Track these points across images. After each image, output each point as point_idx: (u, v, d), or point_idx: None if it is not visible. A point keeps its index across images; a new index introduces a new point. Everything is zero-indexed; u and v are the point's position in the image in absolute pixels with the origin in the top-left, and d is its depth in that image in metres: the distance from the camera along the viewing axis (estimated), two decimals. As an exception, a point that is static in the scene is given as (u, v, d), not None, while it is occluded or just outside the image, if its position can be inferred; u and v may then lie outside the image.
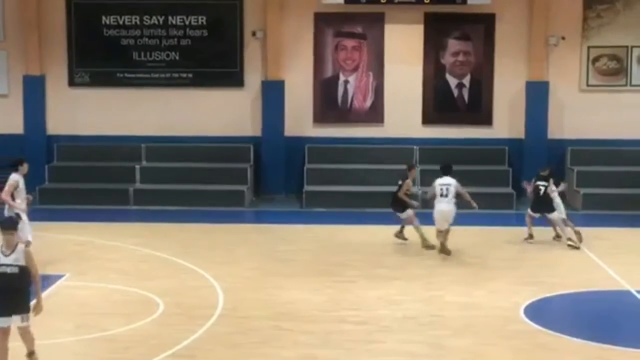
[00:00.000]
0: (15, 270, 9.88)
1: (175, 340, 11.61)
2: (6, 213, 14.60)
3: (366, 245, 17.29)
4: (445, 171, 16.70)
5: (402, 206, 17.17)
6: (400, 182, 17.39)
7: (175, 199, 21.44)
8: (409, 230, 17.40)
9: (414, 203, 17.29)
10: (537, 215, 17.73)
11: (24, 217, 14.81)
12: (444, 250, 16.53)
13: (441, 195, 16.43)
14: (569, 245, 17.15)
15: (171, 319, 12.58)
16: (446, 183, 16.47)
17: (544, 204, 17.53)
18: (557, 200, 17.69)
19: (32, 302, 10.18)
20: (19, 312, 10.00)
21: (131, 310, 12.98)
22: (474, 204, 16.69)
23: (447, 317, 12.81)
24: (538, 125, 22.33)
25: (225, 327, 12.26)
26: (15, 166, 14.99)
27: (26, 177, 15.28)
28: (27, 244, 14.60)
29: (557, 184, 17.84)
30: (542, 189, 17.60)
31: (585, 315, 13.41)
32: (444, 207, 16.37)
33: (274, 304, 13.37)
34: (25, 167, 15.09)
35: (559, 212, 17.57)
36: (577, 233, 17.37)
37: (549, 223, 17.75)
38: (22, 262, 9.93)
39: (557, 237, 17.78)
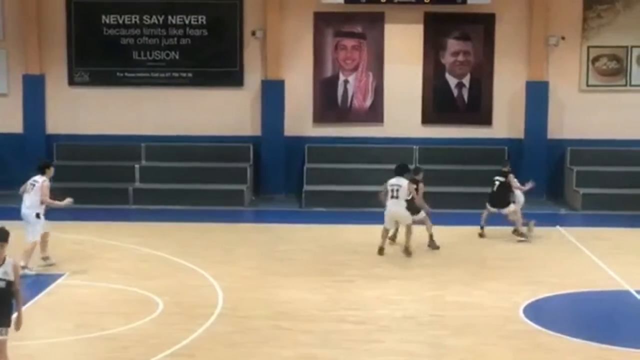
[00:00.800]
0: (3, 284, 9.60)
1: (174, 339, 11.60)
2: (32, 212, 15.18)
3: (365, 245, 17.27)
4: (399, 171, 16.48)
5: (417, 209, 16.94)
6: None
7: (175, 199, 21.44)
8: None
9: (427, 208, 17.21)
10: (494, 209, 18.05)
11: (42, 217, 15.36)
12: (381, 252, 16.36)
13: (392, 196, 16.19)
14: (519, 241, 17.69)
15: (171, 319, 12.58)
16: (397, 184, 16.25)
17: (498, 199, 17.96)
18: (517, 194, 18.03)
19: (13, 316, 9.90)
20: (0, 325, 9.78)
21: (131, 309, 12.97)
22: (426, 209, 16.84)
23: (446, 317, 12.81)
24: (538, 125, 22.34)
25: (225, 327, 12.26)
26: (42, 169, 15.59)
27: (51, 180, 15.86)
28: (34, 245, 15.13)
29: (523, 184, 18.17)
30: (497, 183, 18.05)
31: (585, 315, 13.41)
32: (392, 209, 16.18)
33: (274, 304, 13.37)
34: (51, 170, 15.78)
35: (518, 205, 17.93)
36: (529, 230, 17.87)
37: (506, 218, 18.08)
38: (10, 277, 9.59)
39: (516, 231, 18.08)
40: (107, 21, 22.93)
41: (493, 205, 18.08)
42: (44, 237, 15.52)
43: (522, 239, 17.76)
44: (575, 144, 22.61)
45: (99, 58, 22.96)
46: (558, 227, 19.20)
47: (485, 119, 22.84)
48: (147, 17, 22.91)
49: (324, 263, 15.97)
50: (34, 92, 22.84)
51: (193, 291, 14.03)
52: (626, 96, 22.62)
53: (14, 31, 22.80)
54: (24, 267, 14.35)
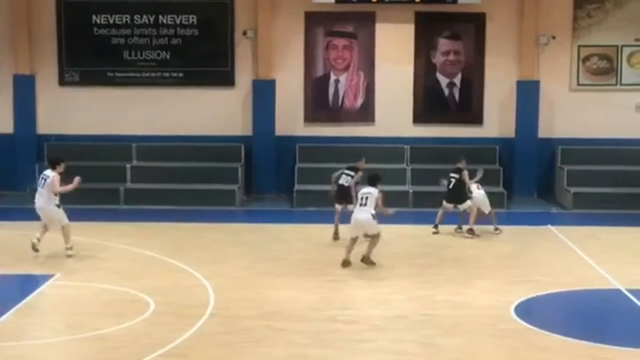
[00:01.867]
0: None
1: (166, 339, 11.59)
2: (51, 205, 16.17)
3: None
4: (371, 182, 15.87)
5: (461, 198, 17.97)
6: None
7: (166, 199, 21.41)
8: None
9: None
10: (450, 205, 18.39)
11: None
12: (345, 264, 15.61)
13: (360, 204, 15.65)
14: (465, 237, 18.01)
15: (162, 319, 12.56)
16: (366, 192, 15.66)
17: (454, 195, 18.29)
18: (474, 190, 18.29)
19: None
20: None
21: (122, 309, 12.94)
22: (389, 212, 16.40)
23: (438, 316, 12.82)
24: (528, 125, 22.38)
25: (217, 327, 12.25)
26: (53, 164, 16.52)
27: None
28: (68, 227, 16.20)
29: (471, 176, 18.43)
30: (453, 180, 18.35)
31: (576, 314, 13.43)
32: (359, 216, 15.55)
33: (265, 303, 13.36)
34: (62, 166, 16.54)
35: (476, 202, 18.14)
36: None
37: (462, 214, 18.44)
38: None
39: (496, 229, 18.33)
40: (98, 21, 22.88)
41: (449, 202, 18.38)
42: (46, 228, 16.34)
43: (469, 235, 17.98)
44: (566, 143, 22.67)
45: (89, 58, 22.91)
46: (549, 226, 19.24)
47: (476, 118, 22.88)
48: (137, 17, 22.87)
49: (315, 263, 15.96)
50: (24, 92, 22.79)
51: (185, 291, 14.01)
52: (617, 95, 22.69)
53: (4, 31, 22.74)
54: (69, 249, 15.97)
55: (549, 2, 22.45)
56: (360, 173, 17.64)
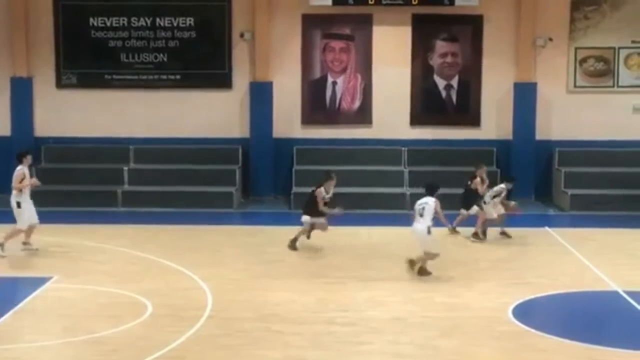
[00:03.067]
0: None
1: (163, 342, 11.58)
2: (13, 201, 16.22)
3: (355, 246, 17.30)
4: (428, 191, 15.51)
5: (468, 204, 18.26)
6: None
7: (164, 201, 21.39)
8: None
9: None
10: (463, 211, 18.54)
11: (24, 205, 16.25)
12: (411, 263, 15.34)
13: (420, 215, 15.20)
14: (472, 241, 17.90)
15: (160, 321, 12.55)
16: (423, 202, 15.23)
17: (463, 200, 18.59)
18: (485, 198, 18.09)
19: None
20: None
21: (119, 312, 12.93)
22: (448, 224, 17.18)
23: (436, 318, 12.82)
24: (526, 126, 22.39)
25: (214, 329, 12.24)
26: (19, 159, 16.43)
27: (30, 168, 16.79)
28: (18, 231, 16.12)
29: (490, 186, 18.36)
30: (466, 187, 18.52)
31: (574, 315, 13.44)
32: (416, 226, 15.19)
33: (263, 306, 13.36)
34: (29, 159, 16.54)
35: (484, 210, 18.00)
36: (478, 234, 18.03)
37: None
38: None
39: (503, 233, 18.24)
40: (95, 24, 22.87)
41: (462, 207, 18.57)
42: (31, 228, 16.35)
43: (473, 239, 17.91)
44: (563, 145, 22.67)
45: (86, 60, 22.90)
46: (546, 228, 19.25)
47: (473, 120, 22.88)
48: (135, 20, 22.86)
49: (313, 265, 15.96)
50: (21, 94, 22.76)
51: (182, 293, 14.00)
52: (614, 97, 22.69)
53: (1, 34, 22.71)
54: (1, 244, 15.92)
55: (546, 4, 22.46)
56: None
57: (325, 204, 17.12)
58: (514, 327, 12.50)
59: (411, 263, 15.21)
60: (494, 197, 18.02)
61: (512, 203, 18.22)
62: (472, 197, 18.28)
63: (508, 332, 12.27)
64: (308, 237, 17.30)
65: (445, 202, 20.94)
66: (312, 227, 17.19)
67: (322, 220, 17.05)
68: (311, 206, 17.08)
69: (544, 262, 16.32)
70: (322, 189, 17.10)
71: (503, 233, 18.26)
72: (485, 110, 22.84)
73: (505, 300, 13.64)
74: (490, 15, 22.54)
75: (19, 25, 22.55)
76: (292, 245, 17.10)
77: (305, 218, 17.13)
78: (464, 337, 12.02)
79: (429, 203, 15.12)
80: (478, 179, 18.27)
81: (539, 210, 21.66)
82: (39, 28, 22.76)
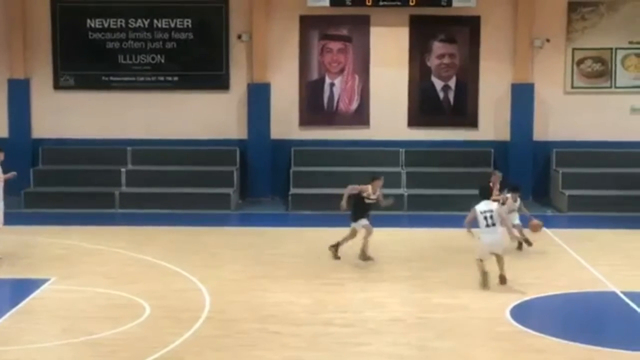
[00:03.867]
0: None
1: (161, 343, 11.57)
2: None
3: (352, 247, 17.29)
4: (484, 195, 14.52)
5: None
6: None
7: (161, 202, 21.38)
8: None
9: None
10: None
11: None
12: (502, 280, 14.41)
13: (487, 225, 14.17)
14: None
15: (157, 322, 12.54)
16: (487, 209, 14.19)
17: None
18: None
19: None
20: None
21: (117, 313, 12.93)
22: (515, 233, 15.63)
23: (433, 319, 12.82)
24: (523, 127, 22.42)
25: (212, 330, 12.24)
26: None
27: (4, 166, 16.67)
28: None
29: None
30: None
31: (571, 316, 13.45)
32: (493, 238, 14.14)
33: (261, 307, 13.35)
34: (1, 155, 16.42)
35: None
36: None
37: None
38: None
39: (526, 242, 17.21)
40: (93, 25, 22.87)
41: None
42: None
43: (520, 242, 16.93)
44: (560, 145, 22.69)
45: (84, 62, 22.89)
46: (544, 229, 19.23)
47: (471, 122, 22.90)
48: (132, 21, 22.87)
49: (310, 266, 15.96)
50: (19, 96, 22.77)
51: (180, 295, 14.00)
52: (611, 98, 22.72)
53: (-1, 35, 22.73)
54: None
55: (543, 5, 22.48)
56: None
57: (368, 205, 16.33)
58: (512, 327, 12.50)
59: (502, 279, 14.33)
60: (510, 212, 16.84)
61: (536, 222, 16.65)
62: None
63: (506, 332, 12.27)
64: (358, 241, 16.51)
65: (442, 204, 21.15)
66: (355, 232, 16.45)
67: (365, 222, 16.26)
68: (357, 210, 16.25)
69: (541, 263, 16.33)
70: (368, 186, 16.44)
71: (526, 241, 17.14)
72: (482, 111, 22.86)
73: (503, 301, 13.64)
74: (487, 16, 22.57)
75: (16, 26, 22.56)
76: (335, 253, 16.44)
77: (357, 224, 16.20)
78: (462, 338, 12.02)
79: (494, 210, 14.18)
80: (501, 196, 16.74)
81: (536, 211, 21.53)
82: (37, 29, 22.76)
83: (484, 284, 14.37)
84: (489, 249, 14.31)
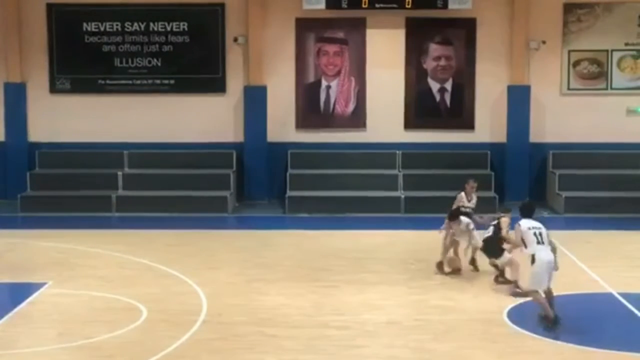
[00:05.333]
0: None
1: (159, 347, 11.57)
2: None
3: (349, 250, 17.30)
4: (527, 213, 13.10)
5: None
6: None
7: (158, 206, 21.34)
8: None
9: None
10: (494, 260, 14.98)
11: None
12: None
13: (538, 242, 12.67)
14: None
15: (155, 326, 12.54)
16: (537, 226, 12.82)
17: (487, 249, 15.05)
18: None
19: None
20: None
21: (114, 317, 12.92)
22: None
23: (430, 321, 12.82)
24: (520, 129, 22.41)
25: (209, 334, 12.24)
26: None
27: None
28: None
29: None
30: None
31: (569, 318, 13.40)
32: (548, 257, 12.63)
33: (258, 310, 13.35)
34: None
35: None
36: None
37: None
38: None
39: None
40: (89, 28, 22.85)
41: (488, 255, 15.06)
42: None
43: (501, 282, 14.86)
44: (557, 147, 22.69)
45: (80, 66, 22.85)
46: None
47: (467, 124, 22.90)
48: (128, 24, 22.84)
49: (307, 269, 15.94)
50: (15, 100, 22.74)
51: (177, 298, 13.99)
52: (607, 99, 22.74)
53: (-5, 39, 22.70)
54: None
55: (539, 7, 22.49)
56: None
57: (467, 214, 15.43)
58: (509, 329, 12.51)
59: (548, 321, 12.59)
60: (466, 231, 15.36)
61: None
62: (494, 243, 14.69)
63: (503, 334, 12.28)
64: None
65: (439, 206, 21.07)
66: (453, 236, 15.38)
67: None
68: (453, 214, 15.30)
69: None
70: (462, 194, 16.06)
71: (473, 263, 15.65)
72: (479, 113, 22.86)
73: (499, 303, 13.65)
74: (483, 18, 22.57)
75: (12, 30, 22.51)
76: (474, 265, 15.43)
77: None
78: (459, 340, 12.02)
79: (542, 228, 12.80)
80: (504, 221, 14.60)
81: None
82: (32, 33, 22.72)
83: (554, 322, 12.39)
84: (547, 267, 12.55)
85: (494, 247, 14.59)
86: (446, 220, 15.51)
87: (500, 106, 22.60)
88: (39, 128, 22.93)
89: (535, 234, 12.66)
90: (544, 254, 12.55)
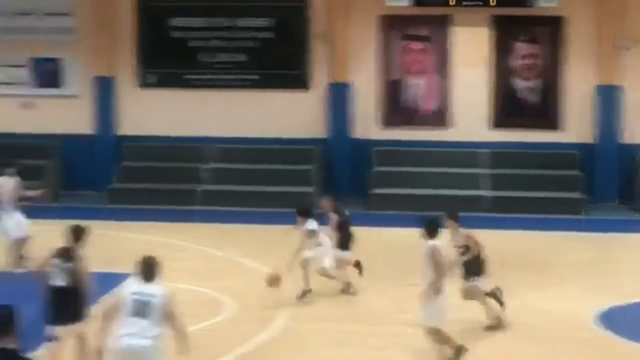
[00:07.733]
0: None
1: (243, 339, 11.68)
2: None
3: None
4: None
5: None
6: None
7: (241, 200, 21.47)
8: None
9: None
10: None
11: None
12: None
13: None
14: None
15: (239, 319, 12.64)
16: None
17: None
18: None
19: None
20: None
21: (199, 310, 13.01)
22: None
23: (514, 323, 12.61)
24: (609, 130, 21.95)
25: (295, 328, 12.26)
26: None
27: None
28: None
29: None
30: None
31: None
32: None
33: (342, 306, 13.32)
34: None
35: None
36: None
37: None
38: None
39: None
40: (175, 24, 23.13)
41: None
42: None
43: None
44: (647, 149, 22.14)
45: (166, 60, 23.15)
46: (632, 233, 18.78)
47: (554, 123, 22.49)
48: (214, 20, 23.06)
49: (391, 267, 15.84)
50: (104, 93, 23.13)
51: (261, 292, 14.02)
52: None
53: (86, 34, 23.07)
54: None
55: (631, 5, 21.92)
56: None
57: None
58: (596, 333, 12.24)
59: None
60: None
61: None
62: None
63: (590, 338, 12.03)
64: None
65: (529, 205, 20.74)
66: None
67: None
68: None
69: (628, 268, 15.94)
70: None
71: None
72: (566, 113, 22.43)
73: (587, 306, 13.37)
74: (571, 16, 22.13)
75: (103, 25, 22.90)
76: None
77: None
78: (544, 342, 11.81)
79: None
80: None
81: (623, 214, 21.15)
82: (122, 28, 23.09)
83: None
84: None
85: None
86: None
87: (589, 106, 22.13)
88: (127, 121, 23.29)
89: None
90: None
